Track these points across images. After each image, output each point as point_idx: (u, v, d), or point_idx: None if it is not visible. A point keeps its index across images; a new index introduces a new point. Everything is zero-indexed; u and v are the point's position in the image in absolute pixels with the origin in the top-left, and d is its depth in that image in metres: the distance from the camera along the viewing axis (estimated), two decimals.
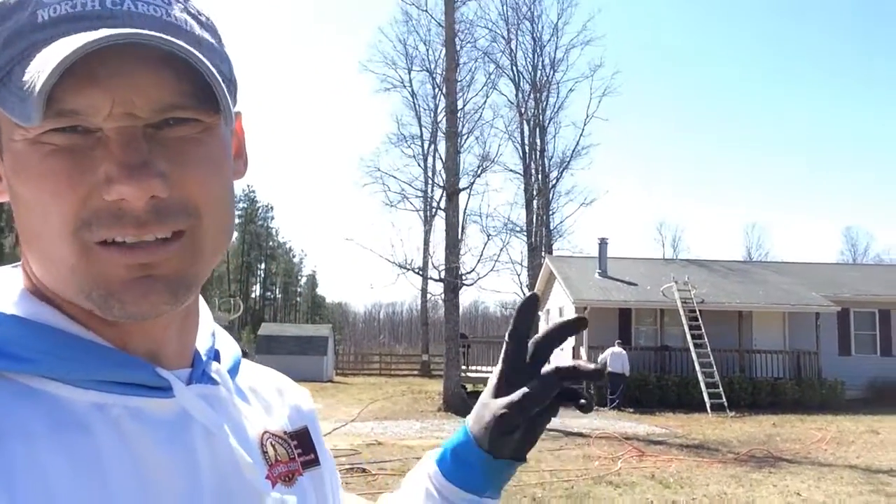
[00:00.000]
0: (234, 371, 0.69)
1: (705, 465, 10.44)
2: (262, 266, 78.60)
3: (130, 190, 0.51)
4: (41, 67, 0.48)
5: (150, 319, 0.55)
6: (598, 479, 9.09)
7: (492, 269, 20.26)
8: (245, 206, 70.65)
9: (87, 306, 0.55)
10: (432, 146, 38.97)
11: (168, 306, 0.55)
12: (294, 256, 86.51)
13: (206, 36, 0.58)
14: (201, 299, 0.69)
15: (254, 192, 73.24)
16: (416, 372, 34.01)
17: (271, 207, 77.12)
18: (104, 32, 0.49)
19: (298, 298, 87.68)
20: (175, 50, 0.50)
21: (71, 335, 0.56)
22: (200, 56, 0.51)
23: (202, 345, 0.67)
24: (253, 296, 76.78)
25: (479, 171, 22.10)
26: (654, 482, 9.07)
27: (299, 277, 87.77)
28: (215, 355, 0.68)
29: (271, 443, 0.68)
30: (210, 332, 0.69)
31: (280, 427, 0.71)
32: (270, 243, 78.53)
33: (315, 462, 0.72)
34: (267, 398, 0.73)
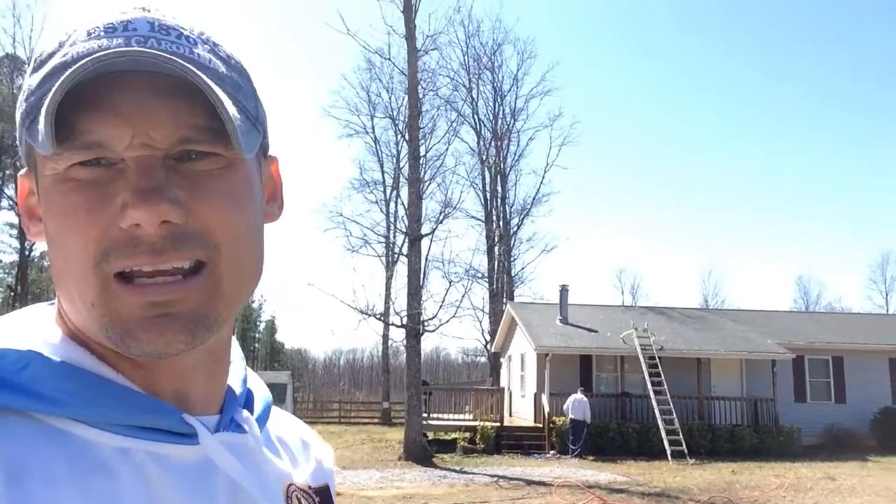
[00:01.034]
0: (263, 418, 0.69)
1: None
2: None
3: (141, 214, 0.51)
4: (51, 93, 0.50)
5: (168, 358, 0.55)
6: None
7: (454, 316, 20.28)
8: None
9: (108, 344, 0.55)
10: (395, 192, 39.16)
11: (185, 346, 0.54)
12: (253, 302, 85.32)
13: (233, 75, 0.59)
14: (236, 345, 0.69)
15: None
16: (376, 420, 33.49)
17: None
18: (116, 55, 0.51)
19: (257, 344, 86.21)
20: (186, 74, 0.51)
21: (99, 377, 0.56)
22: (211, 84, 0.52)
23: (234, 389, 0.66)
24: None
25: (441, 218, 22.21)
26: None
27: (258, 323, 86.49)
28: (246, 401, 0.68)
29: (297, 496, 0.67)
30: (242, 377, 0.69)
31: (304, 481, 0.70)
32: None
33: None
34: (294, 450, 0.72)
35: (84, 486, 0.51)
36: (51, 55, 0.56)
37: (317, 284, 17.86)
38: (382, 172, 40.56)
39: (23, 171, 0.61)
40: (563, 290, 23.92)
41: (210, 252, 0.55)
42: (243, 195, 0.58)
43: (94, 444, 0.54)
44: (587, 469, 15.84)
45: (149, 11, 0.57)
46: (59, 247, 0.55)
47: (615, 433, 19.33)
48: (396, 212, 38.15)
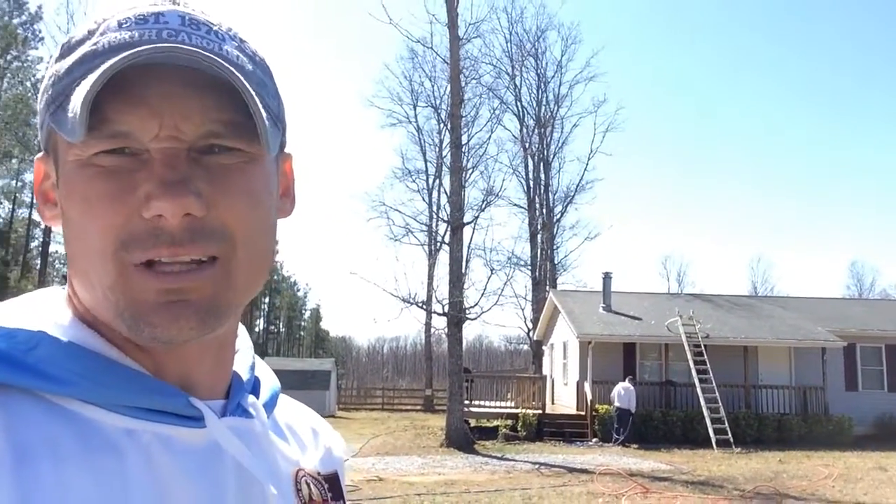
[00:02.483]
0: (270, 405, 0.69)
1: (710, 501, 10.28)
2: (267, 300, 78.52)
3: (166, 205, 0.52)
4: (87, 83, 0.51)
5: (178, 345, 0.56)
6: None
7: (495, 304, 20.26)
8: None
9: (120, 328, 0.55)
10: (437, 180, 39.24)
11: (196, 332, 0.55)
12: (298, 290, 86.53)
13: (258, 72, 0.60)
14: (244, 332, 0.69)
15: None
16: (419, 407, 33.72)
17: (276, 241, 76.99)
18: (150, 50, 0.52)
19: (302, 332, 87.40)
20: (215, 66, 0.52)
21: (108, 359, 0.57)
22: (242, 80, 0.53)
23: (241, 376, 0.67)
24: (256, 329, 76.57)
25: (483, 206, 22.19)
26: None
27: (303, 311, 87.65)
28: (253, 387, 0.68)
29: (306, 481, 0.67)
30: (249, 364, 0.69)
31: (314, 467, 0.70)
32: (275, 277, 78.53)
33: None
34: (302, 436, 0.73)
35: (92, 465, 0.52)
36: (80, 42, 0.57)
37: (359, 273, 18.01)
38: (425, 161, 40.71)
39: (39, 155, 0.62)
40: (607, 278, 23.68)
41: (226, 247, 0.56)
42: (262, 192, 0.59)
43: (102, 424, 0.55)
44: (630, 457, 15.72)
45: (179, 5, 0.58)
46: (79, 232, 0.55)
47: (659, 421, 19.14)
48: (439, 200, 38.23)
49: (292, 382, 28.27)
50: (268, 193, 0.60)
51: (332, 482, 0.71)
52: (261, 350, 62.74)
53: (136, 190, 0.53)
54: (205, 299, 0.55)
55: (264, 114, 0.54)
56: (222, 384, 0.64)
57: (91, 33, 0.56)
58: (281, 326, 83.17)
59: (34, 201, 0.67)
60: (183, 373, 0.60)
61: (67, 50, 0.57)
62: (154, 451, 0.56)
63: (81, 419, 0.54)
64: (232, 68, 0.53)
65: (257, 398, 0.67)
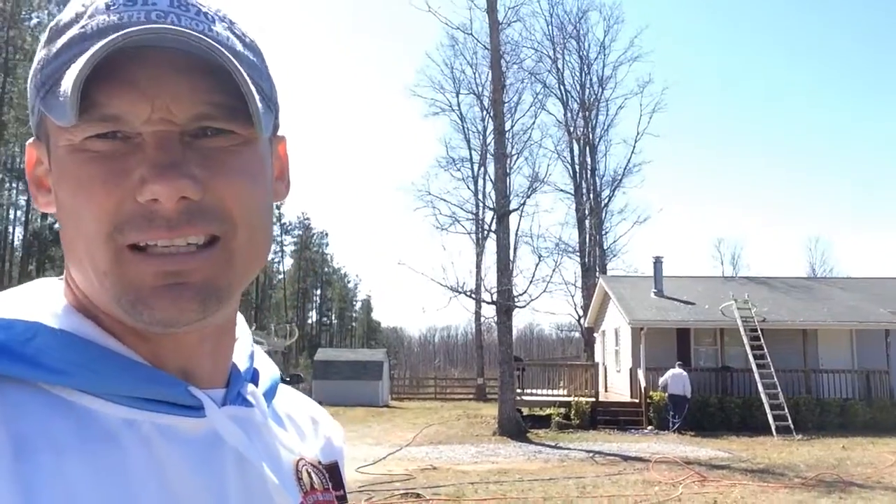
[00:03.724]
0: (270, 394, 0.69)
1: (770, 490, 10.05)
2: (318, 292, 79.60)
3: (161, 188, 0.52)
4: (76, 66, 0.50)
5: (178, 329, 0.55)
6: None
7: (544, 291, 20.09)
8: (300, 233, 71.84)
9: (118, 314, 0.55)
10: (482, 168, 39.13)
11: (196, 315, 0.54)
12: (349, 282, 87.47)
13: (248, 54, 0.59)
14: (242, 321, 0.69)
15: (308, 219, 74.47)
16: (471, 396, 33.80)
17: (326, 234, 78.07)
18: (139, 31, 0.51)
19: (354, 323, 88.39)
20: (205, 48, 0.51)
21: (106, 349, 0.56)
22: (234, 60, 0.52)
23: (240, 366, 0.66)
24: (309, 321, 77.74)
25: (528, 192, 22.02)
26: None
27: (354, 303, 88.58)
28: (252, 377, 0.68)
29: (307, 470, 0.67)
30: (248, 354, 0.69)
31: (314, 456, 0.70)
32: (326, 269, 79.53)
33: (344, 500, 0.71)
34: (302, 426, 0.73)
35: (91, 455, 0.52)
36: (68, 25, 0.56)
37: (407, 263, 18.09)
38: (469, 149, 40.66)
39: (30, 141, 0.61)
40: (657, 262, 23.31)
41: (224, 227, 0.55)
42: (257, 173, 0.58)
43: (101, 414, 0.54)
44: (686, 445, 15.47)
45: None
46: (73, 217, 0.55)
47: (716, 408, 18.78)
48: (484, 188, 38.12)
49: (346, 373, 28.65)
50: (263, 175, 0.60)
51: (332, 471, 0.71)
52: (314, 342, 63.72)
53: (129, 174, 0.53)
54: (205, 281, 0.54)
55: (256, 95, 0.53)
56: (222, 373, 0.64)
57: (79, 16, 0.56)
58: (333, 318, 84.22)
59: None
60: (182, 361, 0.59)
61: (55, 33, 0.56)
62: (154, 441, 0.55)
63: (81, 409, 0.54)
64: (223, 49, 0.53)
65: (256, 387, 0.66)
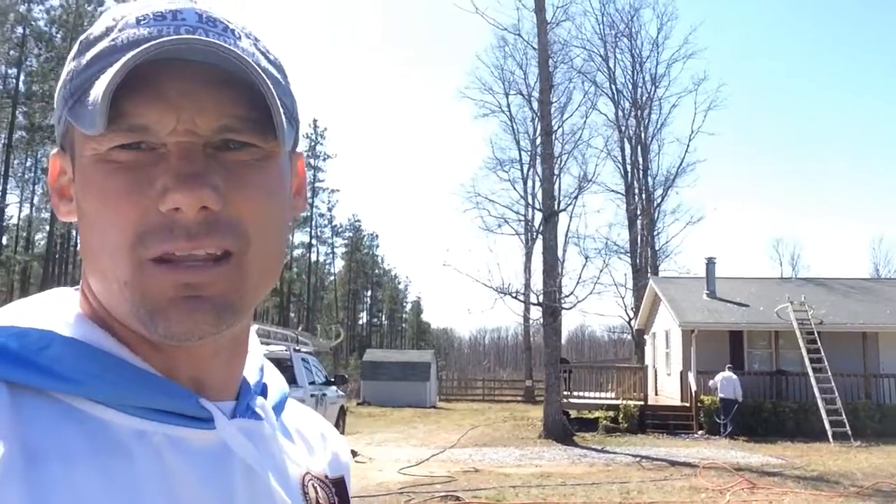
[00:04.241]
0: (279, 408, 0.69)
1: (824, 498, 9.69)
2: (369, 293, 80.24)
3: (183, 197, 0.52)
4: (107, 76, 0.51)
5: (193, 342, 0.55)
6: None
7: (591, 292, 19.84)
8: (351, 235, 72.53)
9: (135, 325, 0.56)
10: (531, 169, 38.89)
11: (211, 328, 0.55)
12: (399, 283, 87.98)
13: (272, 70, 0.60)
14: (254, 335, 0.70)
15: (359, 221, 75.16)
16: (519, 398, 33.63)
17: (376, 236, 78.72)
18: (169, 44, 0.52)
19: (404, 325, 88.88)
20: (233, 60, 0.53)
21: (118, 359, 0.57)
22: (261, 72, 0.53)
23: (249, 379, 0.67)
24: (360, 322, 78.44)
25: (577, 193, 21.76)
26: None
27: (404, 304, 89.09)
28: (262, 391, 0.68)
29: (313, 484, 0.68)
30: (259, 367, 0.70)
31: (321, 471, 0.71)
32: (376, 271, 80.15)
33: None
34: (310, 440, 0.73)
35: (102, 466, 0.52)
36: (98, 38, 0.57)
37: (452, 264, 18.07)
38: (519, 150, 40.49)
39: (55, 151, 0.62)
40: (710, 263, 22.79)
41: (240, 242, 0.56)
42: (276, 188, 0.59)
43: (112, 424, 0.55)
44: (738, 450, 15.06)
45: (196, 2, 0.59)
46: (96, 226, 0.56)
47: (769, 413, 18.24)
48: (534, 189, 37.87)
49: (393, 373, 28.84)
50: (282, 191, 0.61)
51: (339, 486, 0.72)
52: (364, 343, 64.29)
53: (152, 184, 0.54)
54: (220, 295, 0.55)
55: (280, 109, 0.54)
56: (233, 385, 0.64)
57: (109, 30, 0.57)
58: (383, 319, 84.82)
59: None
60: (195, 373, 0.60)
61: (85, 46, 0.58)
62: (164, 453, 0.55)
63: (92, 419, 0.54)
64: (251, 62, 0.54)
65: (265, 400, 0.67)
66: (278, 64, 0.62)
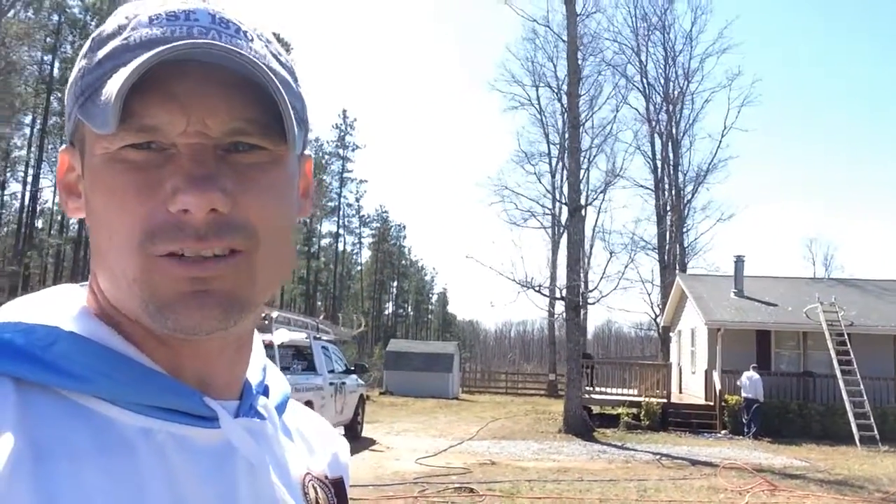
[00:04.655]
0: (281, 408, 0.70)
1: (847, 502, 9.49)
2: (395, 284, 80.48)
3: (193, 199, 0.53)
4: (120, 76, 0.51)
5: (200, 335, 0.56)
6: None
7: (615, 288, 19.68)
8: (378, 225, 72.74)
9: (144, 320, 0.56)
10: (560, 163, 38.56)
11: (219, 323, 0.55)
12: (426, 275, 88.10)
13: (283, 73, 0.60)
14: (257, 335, 0.70)
15: (386, 212, 75.50)
16: (542, 391, 33.49)
17: (403, 227, 78.88)
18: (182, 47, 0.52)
19: (430, 316, 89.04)
20: (248, 65, 0.53)
21: (124, 356, 0.57)
22: (273, 77, 0.54)
23: (252, 379, 0.67)
24: (386, 313, 78.73)
25: (604, 187, 21.54)
26: None
27: (430, 295, 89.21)
28: (265, 391, 0.69)
29: (313, 485, 0.68)
30: (261, 367, 0.70)
31: (321, 471, 0.72)
32: (403, 262, 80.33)
33: None
34: (310, 440, 0.74)
35: (107, 463, 0.52)
36: (110, 37, 0.57)
37: (475, 256, 18.01)
38: (548, 143, 40.23)
39: (63, 147, 0.63)
40: (738, 261, 22.43)
41: (248, 243, 0.56)
42: (285, 190, 0.60)
43: (118, 422, 0.55)
44: (761, 451, 14.83)
45: (208, 2, 0.59)
46: (105, 224, 0.56)
47: (795, 414, 17.94)
48: (562, 183, 37.57)
49: (416, 364, 28.88)
50: (290, 193, 0.61)
51: (338, 487, 0.73)
52: (389, 333, 64.53)
53: (162, 184, 0.54)
54: (228, 291, 0.56)
55: (292, 114, 0.54)
56: (237, 385, 0.65)
57: (122, 28, 0.57)
58: (409, 310, 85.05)
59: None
60: (200, 371, 0.60)
61: (98, 44, 0.58)
62: (169, 451, 0.56)
63: (98, 417, 0.54)
64: (264, 66, 0.54)
65: (268, 400, 0.68)
66: (289, 66, 0.62)
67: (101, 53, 0.57)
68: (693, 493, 9.66)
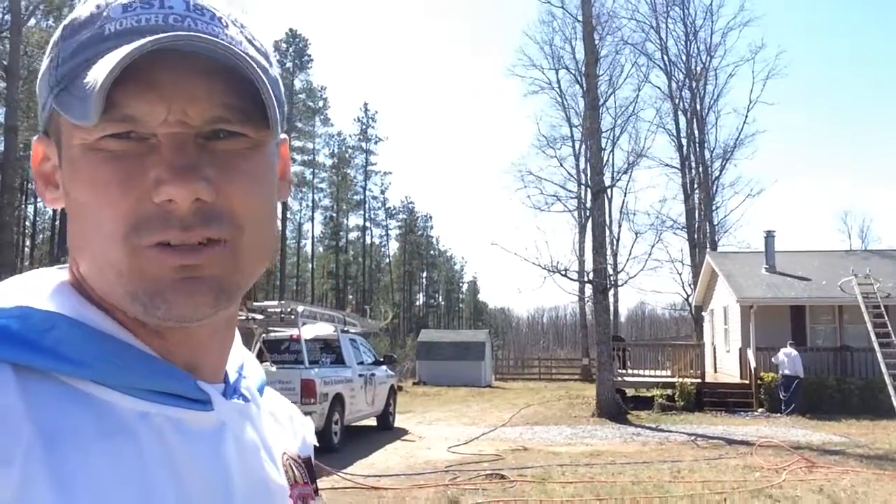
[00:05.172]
0: (259, 392, 0.72)
1: (886, 478, 9.30)
2: (424, 274, 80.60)
3: (177, 190, 0.53)
4: (102, 68, 0.51)
5: (191, 323, 0.56)
6: (755, 493, 8.33)
7: (643, 268, 19.47)
8: (404, 216, 72.84)
9: (134, 310, 0.56)
10: (583, 146, 38.19)
11: (210, 309, 0.56)
12: (455, 264, 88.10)
13: (260, 58, 0.60)
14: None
15: (412, 203, 75.53)
16: (576, 376, 33.37)
17: (430, 217, 78.95)
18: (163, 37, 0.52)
19: (461, 305, 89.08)
20: (231, 56, 0.53)
21: (120, 342, 0.57)
22: (254, 65, 0.54)
23: (233, 363, 0.69)
24: (416, 303, 78.93)
25: (627, 168, 21.30)
26: (821, 496, 8.19)
27: (461, 284, 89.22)
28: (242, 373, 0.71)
29: (290, 464, 0.71)
30: (239, 351, 0.72)
31: (295, 451, 0.75)
32: (431, 252, 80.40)
33: (316, 493, 0.75)
34: (282, 422, 0.76)
35: (110, 447, 0.53)
36: (84, 25, 0.57)
37: (500, 243, 17.93)
38: (570, 127, 39.83)
39: (37, 137, 0.62)
40: (769, 237, 22.06)
41: (233, 230, 0.56)
42: (265, 176, 0.60)
43: (117, 406, 0.55)
44: (799, 428, 14.60)
45: None
46: (88, 216, 0.55)
47: (833, 390, 17.62)
48: (585, 166, 37.23)
49: (448, 353, 28.92)
50: (271, 178, 0.61)
51: (308, 465, 0.75)
52: (422, 323, 64.68)
53: (145, 174, 0.54)
54: (216, 276, 0.56)
55: (274, 101, 0.55)
56: (222, 368, 0.66)
57: (94, 17, 0.56)
58: (440, 300, 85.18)
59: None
60: (191, 356, 0.61)
61: (71, 32, 0.57)
62: (167, 434, 0.56)
63: (98, 402, 0.55)
64: (246, 56, 0.54)
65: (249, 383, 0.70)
66: (263, 50, 0.62)
67: (75, 42, 0.56)
68: (728, 473, 9.54)
